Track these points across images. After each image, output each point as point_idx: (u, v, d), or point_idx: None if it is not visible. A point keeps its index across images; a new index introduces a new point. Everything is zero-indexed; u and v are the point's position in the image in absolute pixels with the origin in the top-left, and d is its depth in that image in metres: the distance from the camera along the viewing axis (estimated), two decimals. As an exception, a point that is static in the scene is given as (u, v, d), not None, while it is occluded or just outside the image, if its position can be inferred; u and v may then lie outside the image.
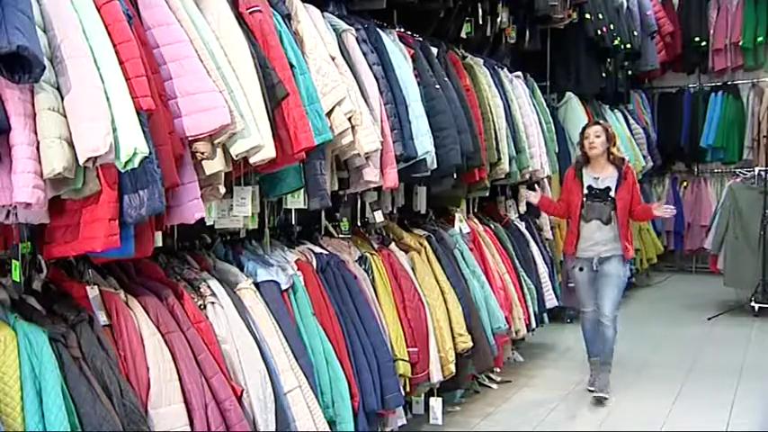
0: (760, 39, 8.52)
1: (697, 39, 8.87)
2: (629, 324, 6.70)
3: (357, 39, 3.63)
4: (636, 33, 7.73)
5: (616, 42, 7.10)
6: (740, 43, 8.63)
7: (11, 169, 1.94)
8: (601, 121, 4.96)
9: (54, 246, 2.27)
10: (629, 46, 7.42)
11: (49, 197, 2.06)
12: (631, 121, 8.19)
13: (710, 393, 4.77)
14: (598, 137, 4.73)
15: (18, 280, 2.30)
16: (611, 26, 7.04)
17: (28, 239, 2.34)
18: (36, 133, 1.98)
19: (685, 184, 9.26)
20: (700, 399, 4.69)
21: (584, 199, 4.74)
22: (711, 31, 8.87)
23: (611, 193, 4.70)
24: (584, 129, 4.90)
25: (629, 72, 8.01)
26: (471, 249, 4.76)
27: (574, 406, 4.58)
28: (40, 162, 1.98)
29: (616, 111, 7.93)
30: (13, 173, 1.94)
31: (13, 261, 2.27)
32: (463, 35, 5.09)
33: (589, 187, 4.75)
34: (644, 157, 8.06)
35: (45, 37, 2.06)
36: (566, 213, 4.95)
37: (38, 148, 1.98)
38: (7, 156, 1.95)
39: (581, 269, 4.77)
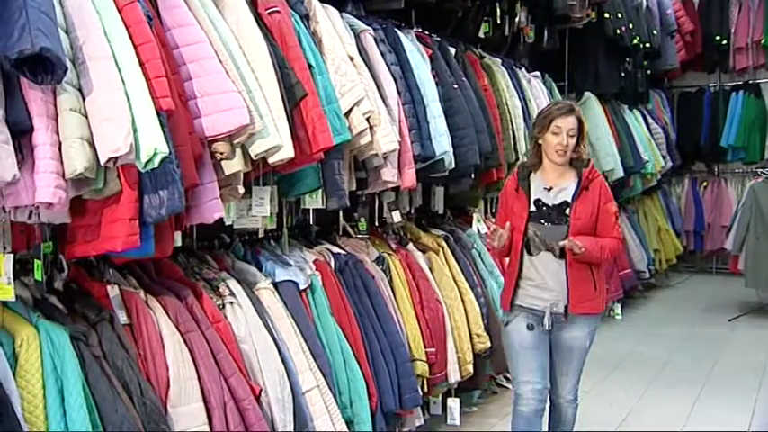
0: (782, 37, 8.43)
1: (718, 37, 8.78)
2: (648, 325, 6.68)
3: (375, 39, 3.63)
4: (655, 32, 7.67)
5: (635, 42, 7.05)
6: (762, 42, 8.51)
7: (34, 169, 1.96)
8: (575, 106, 3.21)
9: (75, 245, 2.29)
10: (648, 45, 7.36)
11: (70, 197, 2.08)
12: (650, 120, 8.13)
13: (732, 395, 4.73)
14: (572, 136, 3.12)
15: (40, 279, 2.33)
16: (631, 25, 6.99)
17: (50, 239, 2.37)
18: (58, 134, 2.00)
19: (705, 184, 9.18)
20: (721, 400, 4.65)
21: (530, 219, 3.15)
22: (732, 30, 8.77)
23: (568, 210, 3.15)
24: (548, 115, 3.15)
25: (649, 71, 7.94)
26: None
27: (592, 406, 4.55)
28: (61, 162, 2.00)
29: (635, 110, 7.87)
30: (35, 173, 1.96)
31: (36, 260, 2.30)
32: (481, 35, 5.08)
33: (537, 203, 3.16)
34: (663, 157, 8.01)
35: (67, 39, 2.08)
36: (506, 247, 3.22)
37: (60, 149, 2.00)
38: (30, 156, 1.97)
39: (529, 327, 3.16)
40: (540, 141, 3.20)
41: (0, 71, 1.91)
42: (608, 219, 3.19)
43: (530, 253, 3.16)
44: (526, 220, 3.16)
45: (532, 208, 3.17)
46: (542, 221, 3.16)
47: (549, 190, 3.18)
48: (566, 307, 3.15)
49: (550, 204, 3.17)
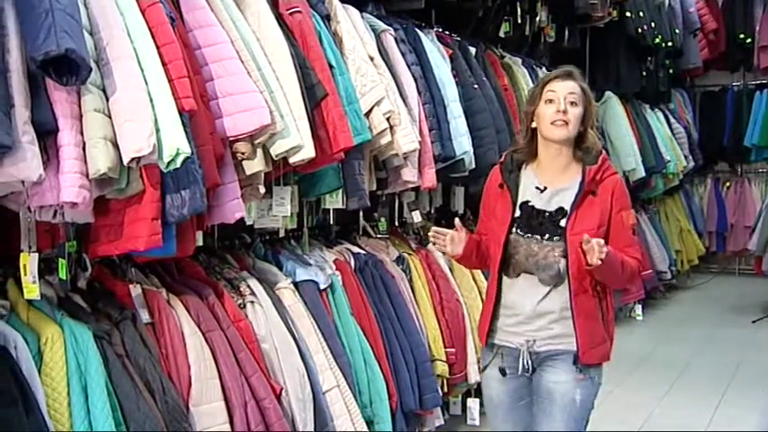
0: (808, 36, 8.30)
1: (741, 36, 8.67)
2: (670, 326, 6.63)
3: (396, 39, 3.63)
4: (678, 31, 7.60)
5: (657, 40, 6.99)
6: (787, 40, 8.42)
7: (58, 169, 1.98)
8: (575, 72, 2.42)
9: (98, 245, 2.31)
10: (670, 44, 7.30)
11: (94, 197, 2.10)
12: (672, 120, 8.05)
13: (755, 397, 4.67)
14: (574, 104, 2.33)
15: (64, 278, 2.35)
16: (653, 24, 6.93)
17: (74, 238, 2.39)
18: (82, 134, 2.02)
19: (728, 184, 9.07)
20: (744, 402, 4.59)
21: (512, 229, 2.38)
22: (757, 28, 8.65)
23: (564, 221, 2.34)
24: (539, 82, 2.45)
25: (671, 71, 7.86)
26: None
27: (613, 407, 4.51)
28: (86, 162, 2.01)
29: (657, 110, 7.81)
30: (60, 173, 1.98)
31: (60, 259, 2.32)
32: (501, 34, 5.06)
33: (524, 207, 2.39)
34: (685, 156, 7.93)
35: (91, 40, 2.10)
36: (483, 259, 2.52)
37: (84, 149, 2.02)
38: (55, 156, 1.99)
39: (502, 372, 2.44)
40: (533, 124, 2.39)
41: (26, 72, 1.93)
42: (623, 233, 2.34)
43: (510, 274, 2.38)
44: (507, 229, 2.36)
45: (517, 213, 2.38)
46: (528, 233, 2.34)
47: (543, 191, 2.38)
48: (552, 348, 2.38)
49: (543, 210, 2.36)
